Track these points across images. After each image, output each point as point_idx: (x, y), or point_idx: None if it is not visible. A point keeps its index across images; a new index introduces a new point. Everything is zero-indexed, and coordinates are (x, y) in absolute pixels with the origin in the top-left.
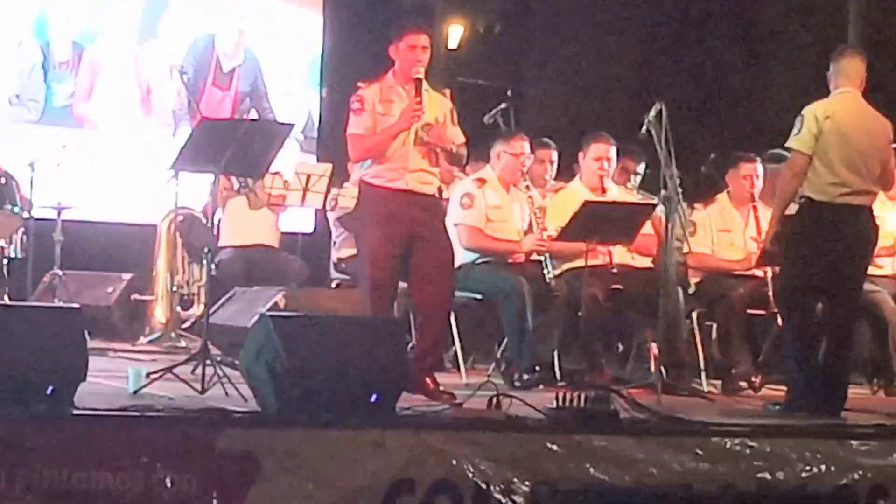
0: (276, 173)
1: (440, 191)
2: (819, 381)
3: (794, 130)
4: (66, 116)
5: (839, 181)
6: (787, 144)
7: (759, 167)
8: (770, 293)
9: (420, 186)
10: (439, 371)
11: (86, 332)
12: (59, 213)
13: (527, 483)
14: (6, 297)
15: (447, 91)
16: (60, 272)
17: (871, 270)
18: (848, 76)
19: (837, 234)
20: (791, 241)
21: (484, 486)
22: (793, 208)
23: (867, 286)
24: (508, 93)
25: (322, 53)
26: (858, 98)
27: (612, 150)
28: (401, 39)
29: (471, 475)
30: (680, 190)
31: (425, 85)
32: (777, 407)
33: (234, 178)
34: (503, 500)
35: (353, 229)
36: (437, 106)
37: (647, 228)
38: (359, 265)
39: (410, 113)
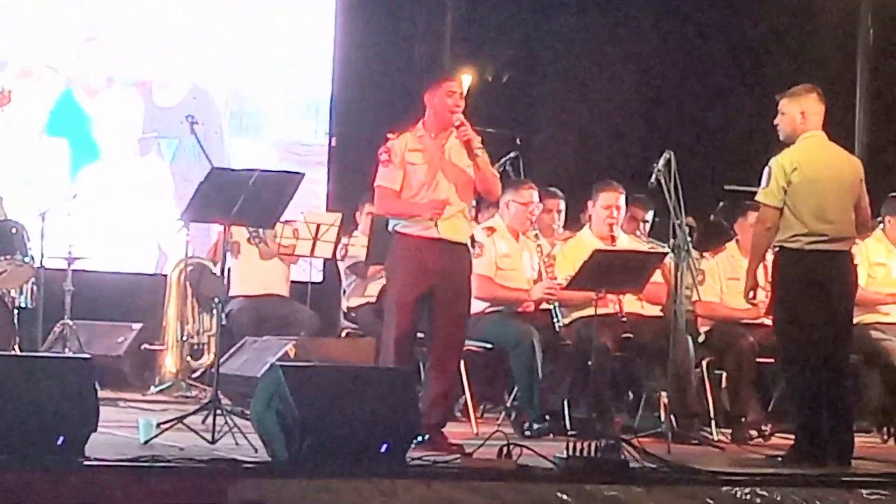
0: (287, 222)
1: (472, 239)
2: (822, 431)
3: (763, 183)
4: None
5: (808, 231)
6: (756, 198)
7: None
8: None
9: (451, 234)
10: (450, 421)
11: (96, 383)
12: (69, 263)
13: None
14: (16, 348)
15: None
16: (70, 322)
17: (880, 318)
18: (814, 117)
19: (812, 280)
20: (773, 294)
21: None
22: None
23: (877, 334)
24: (517, 141)
25: (331, 103)
26: (824, 141)
27: (622, 199)
28: (439, 86)
29: None
30: (689, 238)
31: (456, 134)
32: (779, 459)
33: (244, 229)
34: None
35: (387, 279)
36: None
37: (657, 277)
38: (385, 314)
39: (436, 207)
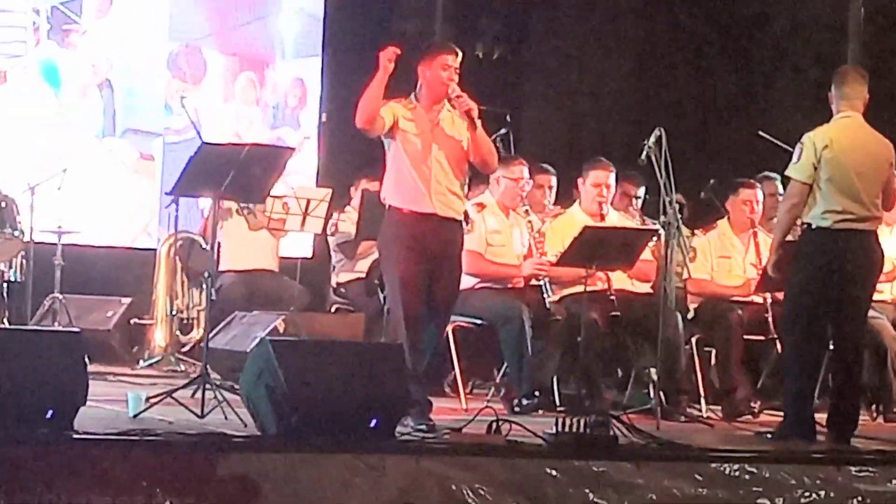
0: (277, 197)
1: (466, 215)
2: (812, 409)
3: (794, 158)
4: None
5: (837, 209)
6: (786, 173)
7: (760, 193)
8: (770, 319)
9: (443, 210)
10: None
11: (85, 357)
12: (59, 237)
13: None
14: (6, 321)
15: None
16: (60, 296)
17: None
18: (849, 99)
19: (837, 259)
20: (793, 268)
21: None
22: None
23: None
24: (508, 118)
25: (321, 78)
26: (859, 122)
27: (611, 177)
28: (434, 58)
29: (470, 501)
30: (679, 216)
31: (447, 106)
32: (769, 436)
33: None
34: None
35: (380, 254)
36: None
37: (647, 254)
38: (389, 294)
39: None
